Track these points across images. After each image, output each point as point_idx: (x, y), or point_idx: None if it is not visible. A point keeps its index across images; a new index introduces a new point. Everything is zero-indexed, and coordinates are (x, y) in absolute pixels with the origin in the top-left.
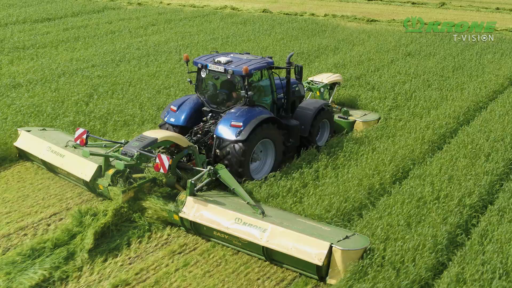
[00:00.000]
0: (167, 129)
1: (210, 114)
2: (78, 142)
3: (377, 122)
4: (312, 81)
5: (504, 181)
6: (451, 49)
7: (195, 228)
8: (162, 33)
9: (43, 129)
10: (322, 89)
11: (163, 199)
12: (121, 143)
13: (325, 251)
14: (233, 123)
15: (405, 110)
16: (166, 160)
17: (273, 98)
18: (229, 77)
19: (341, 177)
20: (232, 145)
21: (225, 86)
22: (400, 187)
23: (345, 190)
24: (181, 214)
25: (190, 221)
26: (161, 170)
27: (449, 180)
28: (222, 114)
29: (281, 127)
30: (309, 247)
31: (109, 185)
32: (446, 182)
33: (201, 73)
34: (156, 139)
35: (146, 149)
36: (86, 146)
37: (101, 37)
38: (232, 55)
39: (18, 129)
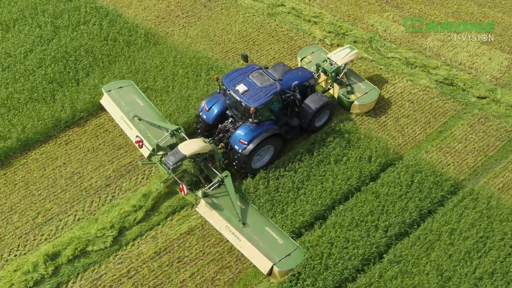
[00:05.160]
0: (200, 122)
1: (230, 119)
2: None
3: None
4: (329, 58)
5: None
6: None
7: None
8: None
9: (119, 88)
10: (334, 74)
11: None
12: (172, 130)
13: (268, 268)
14: (241, 140)
15: None
16: (185, 188)
17: (279, 110)
18: (243, 105)
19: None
20: (239, 155)
21: (241, 106)
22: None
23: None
24: (196, 208)
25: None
26: (182, 193)
27: None
28: (237, 124)
29: (283, 137)
30: (260, 262)
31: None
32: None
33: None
34: (185, 156)
35: (178, 163)
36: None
37: None
38: (255, 75)
39: (102, 88)
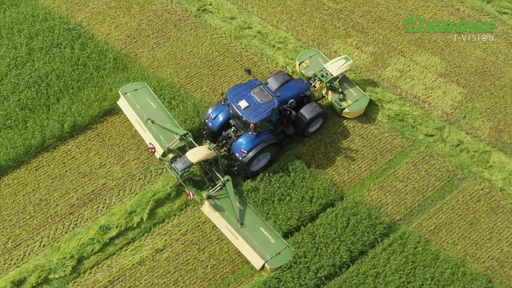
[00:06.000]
0: (206, 129)
1: (233, 128)
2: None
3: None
4: (325, 69)
5: None
6: None
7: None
8: None
9: (135, 90)
10: (328, 84)
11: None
12: (181, 135)
13: (261, 265)
14: (242, 149)
15: None
16: (191, 194)
17: (277, 121)
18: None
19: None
20: (239, 162)
21: (243, 119)
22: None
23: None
24: (201, 208)
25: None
26: (189, 198)
27: None
28: (239, 133)
29: (279, 144)
30: (253, 258)
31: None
32: None
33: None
34: (192, 163)
35: (186, 169)
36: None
37: None
38: (255, 91)
39: (119, 91)
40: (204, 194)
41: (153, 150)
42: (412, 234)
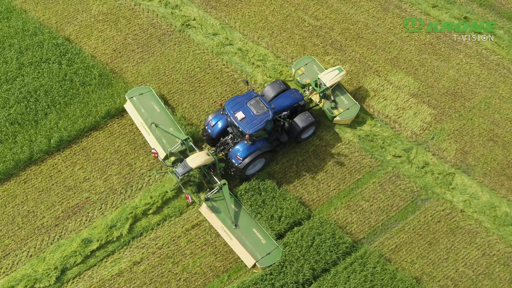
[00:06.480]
0: (205, 135)
1: (230, 136)
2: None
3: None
4: (319, 79)
5: None
6: None
7: None
8: None
9: (140, 94)
10: (321, 94)
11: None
12: (182, 140)
13: (252, 264)
14: (238, 156)
15: None
16: (190, 198)
17: (271, 129)
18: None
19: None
20: (235, 167)
21: (239, 129)
22: None
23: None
24: (199, 209)
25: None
26: (188, 200)
27: None
28: (236, 140)
29: (274, 151)
30: (245, 257)
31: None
32: None
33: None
34: (192, 168)
35: (186, 174)
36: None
37: None
38: (252, 102)
39: (126, 95)
40: (202, 196)
41: (156, 155)
42: (373, 254)
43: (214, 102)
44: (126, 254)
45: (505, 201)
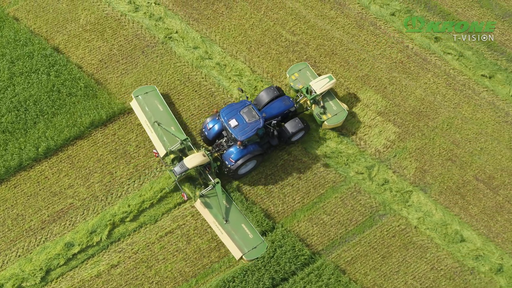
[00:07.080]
0: (203, 136)
1: (225, 139)
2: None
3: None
4: (311, 86)
5: None
6: None
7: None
8: None
9: (145, 93)
10: (312, 101)
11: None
12: (182, 140)
13: (239, 256)
14: (231, 158)
15: None
16: (186, 196)
17: (263, 134)
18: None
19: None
20: (228, 168)
21: (232, 136)
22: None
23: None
24: (194, 204)
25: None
26: (184, 198)
27: None
28: (230, 143)
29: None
30: (234, 250)
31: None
32: None
33: None
34: (188, 169)
35: (183, 173)
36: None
37: None
38: (245, 110)
39: (132, 94)
40: (198, 192)
41: (157, 155)
42: (329, 265)
43: (192, 115)
44: (104, 258)
45: (456, 219)
